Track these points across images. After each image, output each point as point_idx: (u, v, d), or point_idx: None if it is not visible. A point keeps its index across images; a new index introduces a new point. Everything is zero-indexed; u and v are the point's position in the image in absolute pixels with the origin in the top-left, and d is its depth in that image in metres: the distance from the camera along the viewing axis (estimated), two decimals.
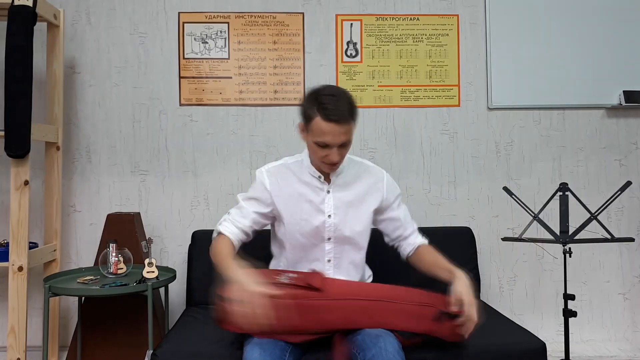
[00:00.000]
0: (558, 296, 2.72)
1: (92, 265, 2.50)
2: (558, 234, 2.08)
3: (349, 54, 2.71)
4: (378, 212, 1.93)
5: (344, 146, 1.76)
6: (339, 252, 1.88)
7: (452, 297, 1.67)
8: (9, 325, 2.16)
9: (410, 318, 1.69)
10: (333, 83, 2.69)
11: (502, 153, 2.74)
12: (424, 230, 2.50)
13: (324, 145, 1.73)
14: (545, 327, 2.72)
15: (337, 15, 2.71)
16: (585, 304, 2.74)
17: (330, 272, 1.87)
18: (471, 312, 1.63)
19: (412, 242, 1.94)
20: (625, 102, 2.68)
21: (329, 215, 1.85)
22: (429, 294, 1.74)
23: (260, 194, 1.86)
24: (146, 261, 2.19)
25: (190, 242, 2.44)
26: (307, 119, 1.74)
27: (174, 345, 1.81)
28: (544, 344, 1.82)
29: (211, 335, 1.87)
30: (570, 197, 2.10)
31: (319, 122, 1.70)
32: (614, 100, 2.73)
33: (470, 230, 2.52)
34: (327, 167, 1.81)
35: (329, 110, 1.68)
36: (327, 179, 1.88)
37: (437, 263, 1.84)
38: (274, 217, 1.90)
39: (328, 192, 1.87)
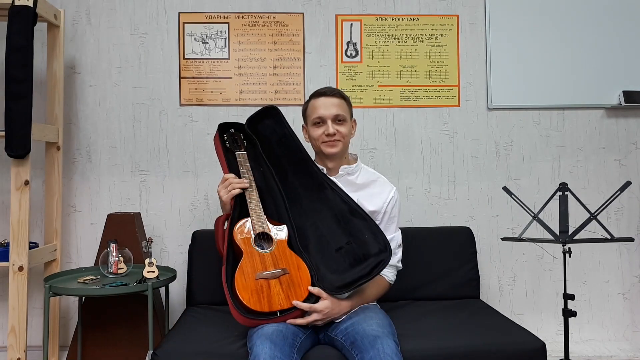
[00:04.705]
0: (558, 296, 2.73)
1: (93, 265, 2.50)
2: (558, 233, 2.08)
3: (348, 54, 2.71)
4: None
5: (340, 122, 1.94)
6: None
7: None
8: (9, 325, 2.16)
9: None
10: (333, 83, 2.70)
11: (502, 153, 2.75)
12: (423, 230, 2.52)
13: (320, 122, 1.94)
14: (544, 327, 2.72)
15: (337, 16, 2.71)
16: (585, 304, 2.74)
17: None
18: (318, 308, 1.71)
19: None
20: (625, 102, 2.68)
21: None
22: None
23: None
24: (146, 261, 2.19)
25: (190, 242, 2.45)
26: (304, 112, 2.01)
27: (174, 345, 1.81)
28: (544, 343, 1.83)
29: (212, 335, 1.87)
30: (570, 197, 2.10)
31: (312, 103, 1.98)
32: (614, 101, 2.73)
33: (470, 230, 2.52)
34: (327, 145, 1.95)
35: (318, 90, 1.99)
36: (332, 173, 2.01)
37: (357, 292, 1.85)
38: None
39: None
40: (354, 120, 2.06)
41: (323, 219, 1.90)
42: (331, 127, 1.91)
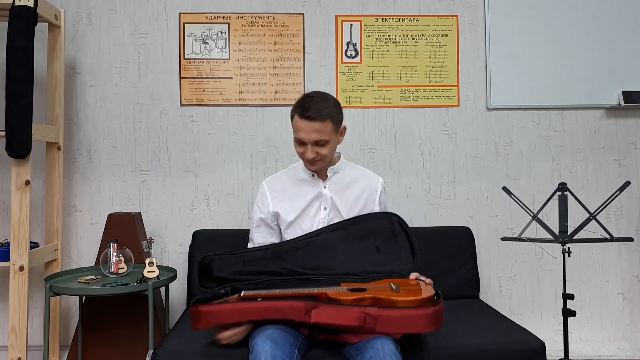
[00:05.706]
0: (557, 296, 2.73)
1: (93, 264, 2.50)
2: (557, 233, 2.09)
3: (348, 54, 2.71)
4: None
5: (320, 145, 1.87)
6: None
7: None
8: (10, 324, 2.17)
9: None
10: (333, 83, 2.70)
11: (502, 153, 2.75)
12: (423, 230, 2.53)
13: (301, 142, 1.87)
14: (544, 326, 2.73)
15: (337, 16, 2.72)
16: (585, 304, 2.74)
17: None
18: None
19: None
20: (624, 102, 2.69)
21: (324, 208, 1.96)
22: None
23: (262, 207, 2.00)
24: (147, 261, 2.20)
25: (190, 242, 2.45)
26: (291, 118, 1.91)
27: (174, 345, 1.81)
28: (543, 343, 1.83)
29: (212, 335, 1.87)
30: (570, 197, 2.10)
31: (296, 119, 1.87)
32: (613, 101, 2.74)
33: (470, 230, 2.53)
34: (307, 163, 1.93)
35: (304, 108, 1.83)
36: (321, 177, 1.99)
37: None
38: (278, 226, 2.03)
39: (325, 187, 1.98)
40: (344, 127, 1.95)
41: (340, 254, 1.90)
42: (310, 153, 1.86)
